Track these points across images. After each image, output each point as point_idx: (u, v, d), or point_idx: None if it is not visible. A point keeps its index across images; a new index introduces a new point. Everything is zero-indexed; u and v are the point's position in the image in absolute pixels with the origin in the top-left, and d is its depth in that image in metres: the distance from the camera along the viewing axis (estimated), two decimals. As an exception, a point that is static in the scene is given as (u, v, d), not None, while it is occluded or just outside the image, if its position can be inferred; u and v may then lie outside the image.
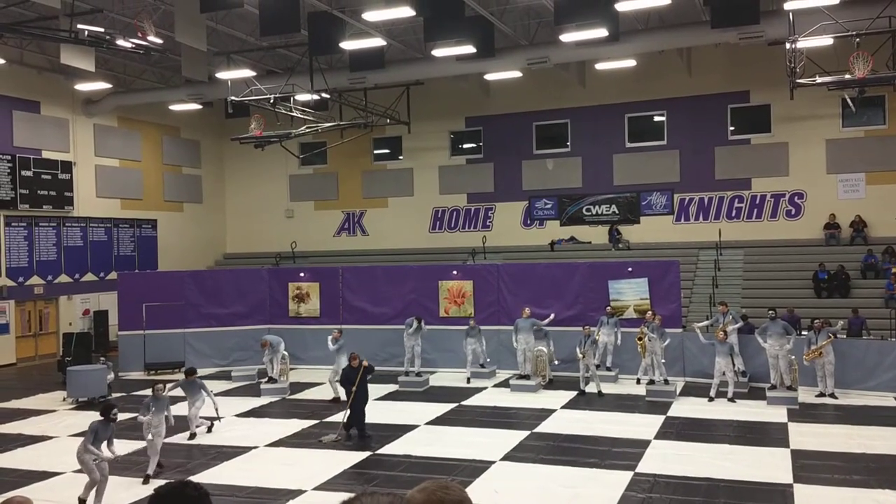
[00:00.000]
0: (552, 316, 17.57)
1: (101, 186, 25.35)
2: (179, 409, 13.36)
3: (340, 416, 13.30)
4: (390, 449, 12.21)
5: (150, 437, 11.14)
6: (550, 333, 17.27)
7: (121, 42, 15.57)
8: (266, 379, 17.32)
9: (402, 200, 28.22)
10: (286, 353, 17.63)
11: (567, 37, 18.44)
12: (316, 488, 10.33)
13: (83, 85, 22.87)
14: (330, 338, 16.47)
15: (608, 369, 17.29)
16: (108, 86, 23.61)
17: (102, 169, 25.42)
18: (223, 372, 19.16)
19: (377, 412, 14.84)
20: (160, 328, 19.86)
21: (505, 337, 18.08)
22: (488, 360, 18.04)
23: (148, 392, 12.28)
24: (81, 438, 10.09)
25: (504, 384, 17.07)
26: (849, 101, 18.85)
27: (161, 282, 21.23)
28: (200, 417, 13.29)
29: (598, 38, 17.89)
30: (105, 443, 9.87)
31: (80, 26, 15.78)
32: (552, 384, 16.94)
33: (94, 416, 14.69)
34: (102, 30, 15.95)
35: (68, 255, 24.10)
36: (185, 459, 11.90)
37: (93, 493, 9.69)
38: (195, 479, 9.94)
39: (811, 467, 10.65)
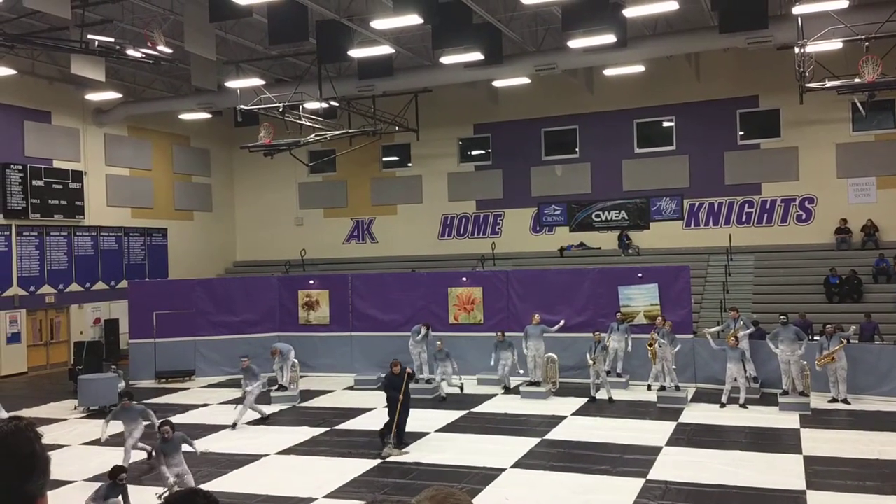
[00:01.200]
0: (562, 322, 17.51)
1: (112, 195, 25.49)
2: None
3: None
4: (400, 457, 12.18)
5: (172, 480, 10.33)
6: (562, 340, 17.22)
7: (131, 52, 15.69)
8: (276, 387, 17.32)
9: (411, 207, 28.25)
10: (296, 360, 17.63)
11: (575, 43, 18.45)
12: (326, 496, 10.32)
13: (94, 95, 23.02)
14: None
15: (619, 375, 17.22)
16: (119, 95, 23.76)
17: (113, 178, 25.57)
18: (233, 380, 19.17)
19: (385, 419, 14.83)
20: (171, 336, 19.93)
21: (515, 344, 18.01)
22: (520, 371, 17.30)
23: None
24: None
25: (514, 391, 17.02)
26: (858, 105, 18.72)
27: (171, 290, 21.30)
28: (140, 446, 12.18)
29: (606, 44, 17.89)
30: None
31: (90, 37, 15.92)
32: (560, 391, 16.87)
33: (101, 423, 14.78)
34: (112, 40, 16.08)
35: (79, 264, 24.22)
36: (194, 468, 11.90)
37: None
38: (205, 487, 9.95)
39: (824, 473, 10.55)
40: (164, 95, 25.45)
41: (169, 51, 16.17)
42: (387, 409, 12.98)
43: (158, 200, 27.38)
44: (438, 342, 17.20)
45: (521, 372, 17.12)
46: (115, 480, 9.46)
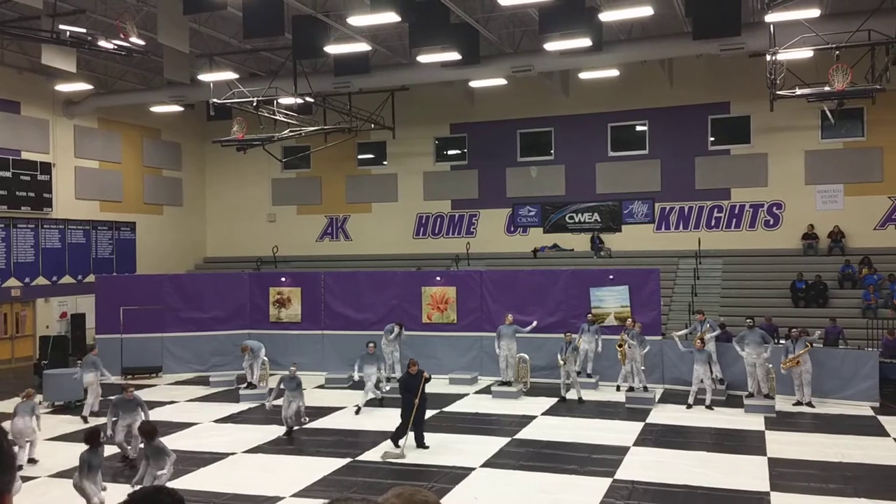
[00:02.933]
0: (535, 323, 17.61)
1: (81, 188, 25.12)
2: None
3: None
4: (370, 455, 12.16)
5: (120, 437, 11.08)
6: (534, 340, 17.32)
7: (103, 43, 15.48)
8: (245, 384, 17.20)
9: (386, 206, 28.19)
10: (266, 358, 17.52)
11: (551, 45, 18.56)
12: (294, 495, 10.26)
13: (64, 86, 22.67)
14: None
15: (589, 376, 17.34)
16: (89, 87, 23.43)
17: (82, 170, 25.20)
18: (202, 377, 19.00)
19: (356, 419, 14.81)
20: (138, 332, 19.69)
21: (487, 343, 18.10)
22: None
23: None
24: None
25: (486, 391, 17.07)
26: (828, 113, 19.08)
27: (139, 285, 21.06)
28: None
29: (581, 47, 18.02)
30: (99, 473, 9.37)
31: (61, 27, 15.67)
32: (532, 390, 16.96)
33: (69, 419, 14.59)
34: (84, 30, 15.85)
35: (46, 257, 23.83)
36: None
37: None
38: (170, 485, 9.85)
39: (788, 475, 10.72)
40: (136, 87, 25.14)
41: (141, 42, 15.99)
42: (400, 411, 12.64)
43: (128, 194, 27.04)
44: (371, 344, 16.09)
45: (384, 390, 16.20)
46: (95, 444, 9.40)
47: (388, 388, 16.48)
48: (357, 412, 14.64)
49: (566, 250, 25.80)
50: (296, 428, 13.73)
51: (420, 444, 12.42)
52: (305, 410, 14.29)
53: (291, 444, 12.98)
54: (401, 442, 12.21)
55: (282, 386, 13.89)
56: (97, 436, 9.50)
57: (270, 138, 21.66)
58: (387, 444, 12.72)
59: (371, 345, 16.04)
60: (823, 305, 20.68)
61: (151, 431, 9.78)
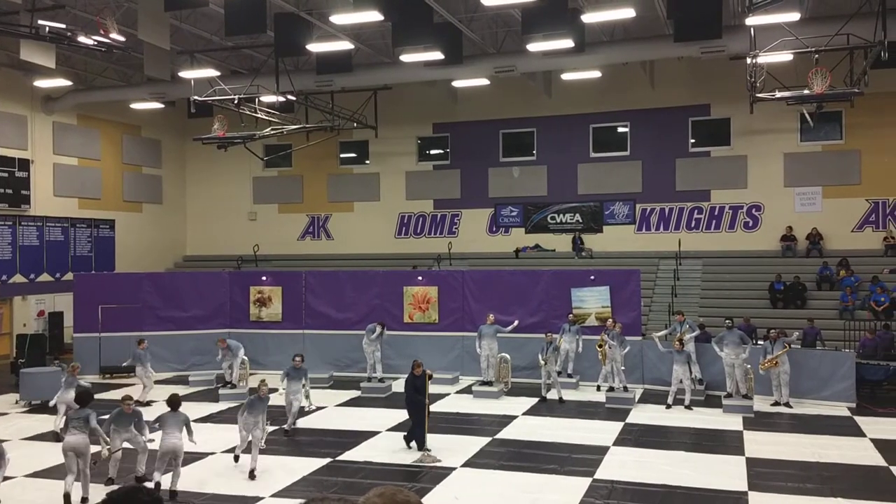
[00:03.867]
0: (516, 322, 17.65)
1: (59, 185, 24.84)
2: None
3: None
4: (350, 455, 12.14)
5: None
6: (515, 340, 17.36)
7: (82, 39, 15.30)
8: (225, 384, 17.10)
9: (369, 205, 28.13)
10: (245, 358, 17.43)
11: (534, 46, 18.59)
12: (274, 495, 10.22)
13: (43, 82, 22.40)
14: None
15: (569, 376, 17.41)
16: (69, 83, 23.16)
17: (60, 167, 24.92)
18: (180, 377, 18.86)
19: (338, 418, 14.77)
20: (116, 331, 19.50)
21: (469, 343, 18.12)
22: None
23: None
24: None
25: (467, 390, 17.09)
26: (807, 116, 19.27)
27: (118, 283, 20.86)
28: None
29: (564, 48, 18.07)
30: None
31: (41, 22, 15.48)
32: (512, 391, 16.99)
33: (46, 419, 14.42)
34: (64, 26, 15.67)
35: (24, 254, 23.54)
36: (137, 464, 11.67)
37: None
38: (148, 485, 9.78)
39: (765, 475, 10.82)
40: (116, 84, 24.89)
41: (122, 39, 15.82)
42: (408, 412, 12.57)
43: (107, 191, 26.77)
44: (297, 357, 14.20)
45: (312, 407, 15.26)
46: (123, 407, 10.13)
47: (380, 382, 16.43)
48: (236, 460, 11.69)
49: (548, 251, 25.88)
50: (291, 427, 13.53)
51: (420, 445, 12.29)
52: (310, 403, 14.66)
53: (271, 443, 12.91)
54: (412, 444, 12.08)
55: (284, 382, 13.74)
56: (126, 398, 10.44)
57: (252, 136, 21.53)
58: (367, 444, 12.70)
59: (297, 358, 14.04)
60: (801, 307, 20.89)
61: (84, 395, 10.47)
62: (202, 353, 19.55)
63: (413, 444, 12.31)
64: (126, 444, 10.79)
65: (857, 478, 10.79)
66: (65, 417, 12.23)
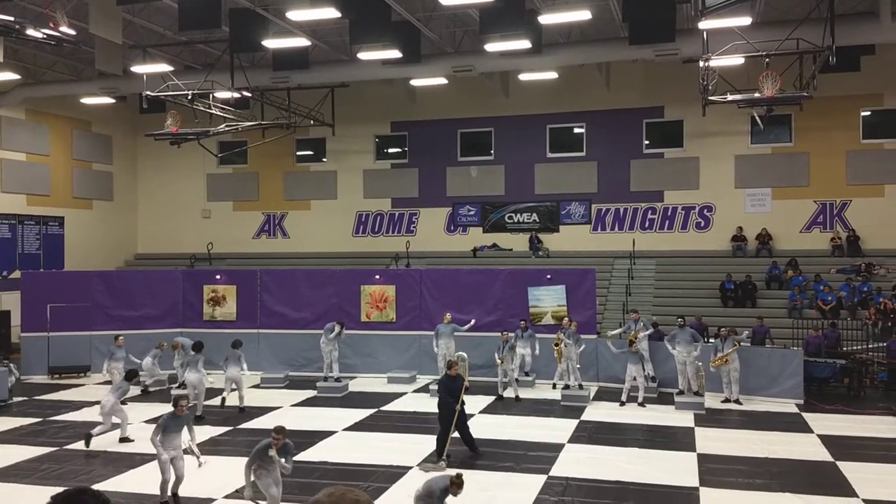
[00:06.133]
0: (473, 321, 17.71)
1: (7, 181, 24.17)
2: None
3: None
4: (306, 456, 12.03)
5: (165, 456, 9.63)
6: (472, 338, 17.40)
7: (31, 32, 14.86)
8: (177, 384, 16.82)
9: (325, 203, 27.94)
10: (199, 357, 17.12)
11: (491, 46, 18.68)
12: (227, 496, 10.08)
13: (-12, 74, 21.76)
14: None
15: (526, 374, 17.50)
16: (17, 77, 22.52)
17: (8, 163, 24.25)
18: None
19: (294, 418, 14.63)
20: (65, 330, 19.06)
21: (426, 342, 18.12)
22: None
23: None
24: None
25: (424, 389, 17.08)
26: (757, 118, 19.70)
27: (67, 282, 20.34)
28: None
29: (521, 49, 18.19)
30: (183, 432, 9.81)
31: (-14, 13, 15.01)
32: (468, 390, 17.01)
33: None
34: (12, 18, 15.20)
35: (-33, 252, 22.86)
36: (88, 467, 11.44)
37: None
38: (98, 487, 9.57)
39: (716, 471, 11.02)
40: (66, 78, 24.30)
41: (72, 32, 15.41)
42: (439, 417, 11.85)
43: (56, 187, 26.13)
44: (523, 322, 17.39)
45: (526, 371, 17.19)
46: (176, 410, 9.64)
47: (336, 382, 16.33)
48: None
49: (505, 250, 26.02)
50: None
51: (473, 449, 11.86)
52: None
53: (224, 444, 12.74)
54: (443, 453, 11.47)
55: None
56: (180, 399, 9.89)
57: (206, 132, 21.20)
58: (323, 445, 12.61)
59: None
60: (751, 305, 21.35)
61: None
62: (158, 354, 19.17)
63: (446, 456, 11.54)
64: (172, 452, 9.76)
65: (804, 473, 11.06)
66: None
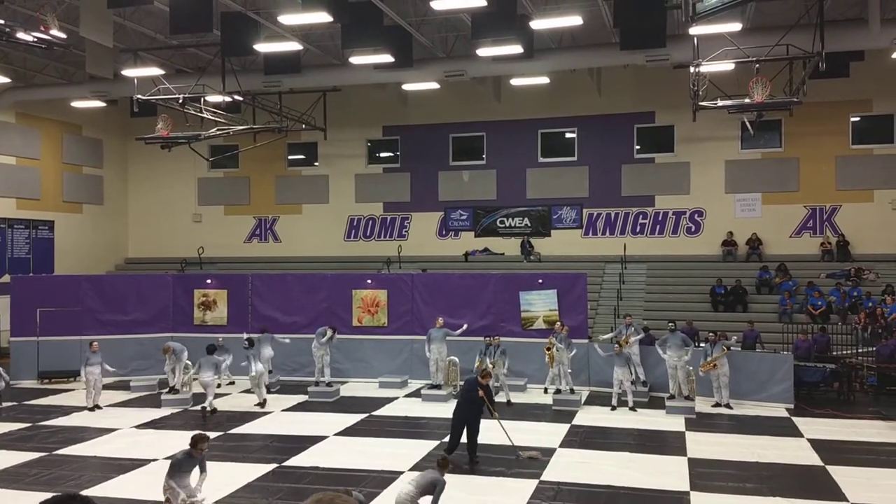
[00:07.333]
0: (465, 326, 17.72)
1: (-5, 184, 24.04)
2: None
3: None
4: (297, 460, 12.00)
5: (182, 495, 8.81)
6: (464, 343, 17.40)
7: (21, 35, 14.80)
8: (167, 389, 16.76)
9: (317, 207, 27.90)
10: (189, 362, 17.09)
11: (483, 51, 18.72)
12: (217, 502, 10.04)
13: (-22, 78, 21.66)
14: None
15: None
16: (7, 80, 22.41)
17: (-3, 166, 24.13)
18: (122, 382, 18.39)
19: (285, 423, 14.61)
20: (55, 335, 18.96)
21: (418, 347, 18.10)
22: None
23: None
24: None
25: (416, 394, 17.07)
26: (747, 124, 19.78)
27: (57, 286, 20.25)
28: None
29: (513, 54, 18.23)
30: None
31: (-25, 16, 14.95)
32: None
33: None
34: (2, 21, 15.13)
35: (-44, 256, 22.71)
36: (77, 472, 11.37)
37: None
38: (88, 492, 9.51)
39: (707, 475, 11.05)
40: (56, 82, 24.21)
41: (63, 35, 15.35)
42: (454, 421, 11.98)
43: (46, 191, 26.01)
44: (559, 323, 17.20)
45: (558, 387, 16.37)
46: (193, 451, 8.78)
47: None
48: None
49: (497, 254, 26.04)
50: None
51: (473, 455, 11.90)
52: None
53: (215, 449, 12.70)
54: (475, 458, 11.71)
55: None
56: (200, 441, 8.87)
57: (197, 136, 21.15)
58: (314, 450, 12.58)
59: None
60: (742, 310, 21.42)
61: None
62: (144, 358, 19.14)
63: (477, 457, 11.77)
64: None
65: (794, 477, 11.10)
66: None
